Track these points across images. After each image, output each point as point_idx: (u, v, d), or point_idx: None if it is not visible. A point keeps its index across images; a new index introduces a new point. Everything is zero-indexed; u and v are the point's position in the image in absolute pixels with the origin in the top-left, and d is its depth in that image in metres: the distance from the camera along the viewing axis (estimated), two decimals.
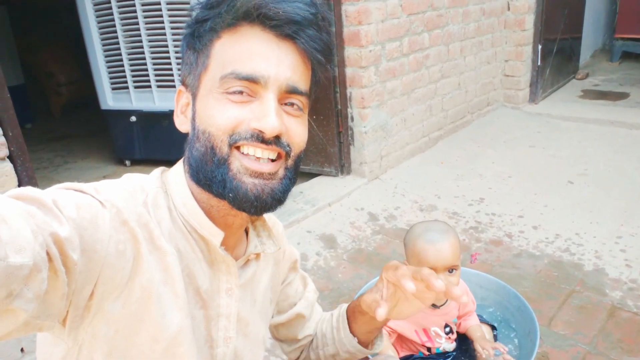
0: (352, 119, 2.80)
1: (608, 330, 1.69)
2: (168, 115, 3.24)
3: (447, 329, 1.51)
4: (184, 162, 0.77)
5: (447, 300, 1.49)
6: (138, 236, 0.65)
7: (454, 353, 1.54)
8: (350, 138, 2.84)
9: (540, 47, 3.96)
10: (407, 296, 0.81)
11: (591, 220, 2.42)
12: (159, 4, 2.97)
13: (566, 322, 1.75)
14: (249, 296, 0.86)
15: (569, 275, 2.02)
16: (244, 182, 0.69)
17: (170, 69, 3.13)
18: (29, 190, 0.56)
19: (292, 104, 0.72)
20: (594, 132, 3.57)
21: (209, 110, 0.70)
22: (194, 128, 0.72)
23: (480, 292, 1.70)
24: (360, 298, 0.94)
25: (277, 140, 0.69)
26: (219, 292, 0.79)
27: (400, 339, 1.55)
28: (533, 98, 4.12)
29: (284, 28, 0.68)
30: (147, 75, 3.20)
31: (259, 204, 0.70)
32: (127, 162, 3.58)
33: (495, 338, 1.59)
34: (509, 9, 3.86)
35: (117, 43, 3.16)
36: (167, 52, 3.09)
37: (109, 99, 3.38)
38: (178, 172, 0.77)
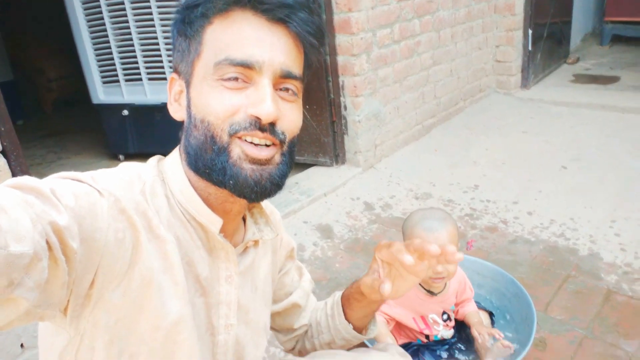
0: (345, 108, 2.79)
1: (604, 315, 1.71)
2: (160, 108, 3.22)
3: (445, 316, 1.52)
4: (180, 150, 0.77)
5: (444, 288, 1.50)
6: (137, 224, 0.66)
7: (452, 340, 1.55)
8: (344, 127, 2.83)
9: (530, 31, 3.96)
10: (402, 272, 0.83)
11: (585, 205, 2.44)
12: None
13: (562, 307, 1.77)
14: (249, 283, 0.87)
15: (564, 260, 2.04)
16: (243, 169, 0.69)
17: (161, 61, 3.10)
18: (26, 179, 0.55)
19: (287, 89, 0.72)
20: (586, 116, 3.58)
21: (205, 98, 0.69)
22: (190, 116, 0.72)
23: (477, 278, 1.71)
24: (358, 282, 0.96)
25: (272, 128, 0.69)
26: (219, 280, 0.80)
27: (399, 327, 1.56)
28: (525, 83, 4.12)
29: (276, 12, 0.68)
30: (138, 68, 3.17)
31: (259, 189, 0.70)
32: (121, 157, 3.55)
33: (493, 324, 1.61)
34: None
35: (107, 36, 3.13)
36: (157, 44, 3.05)
37: (100, 93, 3.35)
38: (174, 160, 0.76)
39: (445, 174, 2.89)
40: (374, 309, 1.00)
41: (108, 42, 3.14)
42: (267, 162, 0.70)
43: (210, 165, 0.70)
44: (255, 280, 0.89)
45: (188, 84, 0.73)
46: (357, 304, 0.99)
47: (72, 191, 0.59)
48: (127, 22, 3.04)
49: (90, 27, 3.16)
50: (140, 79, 3.21)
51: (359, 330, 1.03)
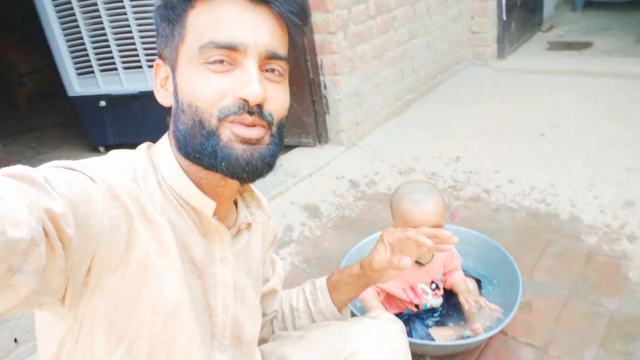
0: (325, 87, 2.79)
1: (586, 275, 1.77)
2: (138, 97, 3.18)
3: (433, 286, 1.57)
4: (169, 135, 0.77)
5: (432, 259, 1.54)
6: (131, 210, 0.66)
7: (441, 308, 1.60)
8: (325, 107, 2.83)
9: (504, 1, 3.97)
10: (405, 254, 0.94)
11: (564, 171, 2.50)
12: None
13: (546, 270, 1.82)
14: (243, 265, 0.88)
15: (546, 225, 2.10)
16: (234, 149, 0.69)
17: (135, 49, 3.04)
18: (19, 168, 0.55)
19: (272, 70, 0.72)
20: (562, 83, 3.64)
21: (192, 83, 0.69)
22: (177, 101, 0.72)
23: (463, 247, 1.75)
24: (354, 265, 1.05)
25: (260, 110, 0.70)
26: (214, 262, 0.81)
27: (389, 298, 1.60)
28: (501, 54, 4.15)
29: None
30: (112, 58, 3.11)
31: (250, 169, 0.71)
32: (101, 149, 3.50)
33: (481, 291, 1.66)
34: None
35: (78, 27, 3.05)
36: (130, 32, 2.99)
37: (76, 85, 3.28)
38: (164, 146, 0.77)
39: (427, 147, 2.92)
40: (359, 292, 1.09)
41: (80, 32, 3.07)
42: (257, 141, 0.71)
43: (200, 150, 0.70)
44: (250, 262, 0.91)
45: (174, 69, 0.73)
46: (346, 287, 1.07)
47: (65, 179, 0.59)
48: (97, 10, 2.97)
49: (60, 17, 3.07)
50: (116, 69, 3.15)
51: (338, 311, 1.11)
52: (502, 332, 1.50)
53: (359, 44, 2.85)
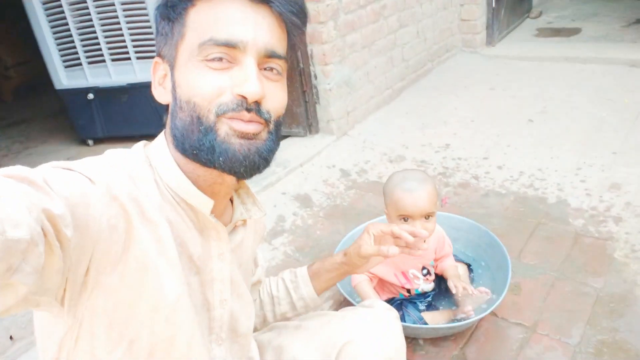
0: (316, 77, 2.80)
1: (573, 257, 1.81)
2: (126, 90, 3.16)
3: (425, 271, 1.59)
4: (165, 133, 0.78)
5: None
6: (129, 210, 0.67)
7: (433, 292, 1.62)
8: (315, 96, 2.84)
9: None
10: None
11: (552, 156, 2.53)
12: None
13: (534, 252, 1.86)
14: (237, 260, 0.90)
15: (534, 209, 2.13)
16: (232, 144, 0.70)
17: (123, 41, 3.02)
18: (18, 169, 0.56)
19: (271, 69, 0.73)
20: (551, 69, 3.67)
21: (191, 79, 0.70)
22: (175, 98, 0.73)
23: (453, 233, 1.78)
24: (337, 255, 1.11)
25: (257, 107, 0.70)
26: (211, 258, 0.82)
27: (381, 283, 1.63)
28: (490, 41, 4.17)
29: None
30: (100, 50, 3.09)
31: (248, 164, 0.71)
32: (90, 142, 3.49)
33: (471, 275, 1.69)
34: None
35: (65, 18, 3.02)
36: (118, 23, 2.97)
37: (63, 78, 3.25)
38: (161, 144, 0.77)
39: (417, 135, 2.95)
40: (339, 279, 1.15)
41: (67, 24, 3.04)
42: (254, 136, 0.71)
43: (198, 146, 0.70)
44: (242, 257, 0.92)
45: (172, 67, 0.73)
46: (327, 275, 1.13)
47: (64, 180, 0.59)
48: (85, 1, 2.94)
49: (46, 9, 3.04)
50: (104, 61, 3.13)
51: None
52: (492, 313, 1.53)
53: (349, 33, 2.85)
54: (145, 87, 3.00)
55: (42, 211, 0.52)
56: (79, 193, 0.60)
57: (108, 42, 3.05)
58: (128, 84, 3.15)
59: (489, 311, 1.42)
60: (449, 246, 1.65)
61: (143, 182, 0.73)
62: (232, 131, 0.70)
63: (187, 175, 0.75)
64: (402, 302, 1.58)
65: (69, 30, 3.06)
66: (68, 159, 2.67)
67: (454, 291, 1.51)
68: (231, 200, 0.88)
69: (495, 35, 4.18)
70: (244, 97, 0.69)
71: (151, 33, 2.92)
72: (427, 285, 1.60)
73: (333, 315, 1.04)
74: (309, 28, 2.67)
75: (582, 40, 4.14)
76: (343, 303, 1.69)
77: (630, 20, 4.45)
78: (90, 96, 3.23)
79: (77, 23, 3.04)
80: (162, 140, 0.78)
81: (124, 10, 2.91)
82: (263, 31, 0.70)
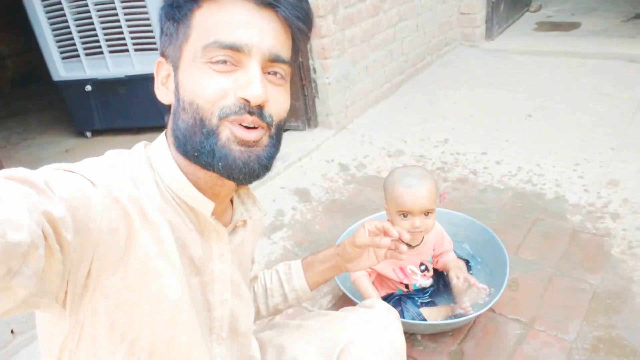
0: (315, 71, 2.79)
1: (571, 253, 1.82)
2: (124, 82, 3.15)
3: (423, 267, 1.60)
4: (167, 134, 0.78)
5: (421, 241, 1.57)
6: (130, 212, 0.66)
7: (432, 289, 1.63)
8: (314, 90, 2.83)
9: None
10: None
11: (550, 151, 2.54)
12: None
13: (532, 248, 1.87)
14: (237, 260, 0.90)
15: (532, 204, 2.14)
16: (232, 150, 0.70)
17: (122, 32, 3.00)
18: (19, 171, 0.55)
19: (275, 73, 0.73)
20: (550, 64, 3.66)
21: (194, 81, 0.70)
22: (178, 99, 0.72)
23: (451, 229, 1.78)
24: (346, 241, 1.11)
25: (260, 111, 0.70)
26: (212, 259, 0.82)
27: (380, 279, 1.64)
28: (489, 35, 4.16)
29: None
30: (98, 41, 3.07)
31: (247, 171, 0.71)
32: (88, 134, 3.47)
33: (469, 271, 1.69)
34: None
35: (62, 9, 2.99)
36: (116, 14, 2.95)
37: (61, 69, 3.23)
38: (162, 146, 0.77)
39: (416, 129, 2.95)
40: (331, 273, 1.15)
41: (64, 15, 3.01)
42: (255, 144, 0.71)
43: (199, 148, 0.70)
44: (242, 256, 0.93)
45: (176, 68, 0.73)
46: (320, 266, 1.14)
47: (65, 182, 0.59)
48: None
49: (43, 0, 3.02)
50: (102, 52, 3.11)
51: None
52: (490, 309, 1.54)
53: (348, 27, 2.84)
54: (144, 79, 3.03)
55: (42, 214, 0.52)
56: (80, 196, 0.59)
57: (106, 34, 3.03)
58: (126, 76, 3.13)
59: (487, 308, 1.43)
60: (448, 242, 1.66)
61: (144, 183, 0.72)
62: (233, 137, 0.70)
63: (188, 177, 0.75)
64: (401, 298, 1.59)
65: (66, 21, 3.04)
66: (66, 150, 2.66)
67: (454, 280, 1.51)
68: (231, 201, 0.88)
69: (494, 29, 4.17)
70: (247, 101, 0.69)
71: (149, 25, 2.90)
72: (425, 281, 1.61)
73: (334, 315, 1.05)
74: None
75: (582, 34, 4.14)
76: (342, 298, 1.71)
77: (630, 14, 4.45)
78: (88, 88, 3.22)
79: (75, 14, 3.01)
80: (163, 141, 0.77)
81: (122, 2, 2.89)
82: (268, 35, 0.70)
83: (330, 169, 2.59)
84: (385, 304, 1.12)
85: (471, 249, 1.80)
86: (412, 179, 1.45)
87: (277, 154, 0.77)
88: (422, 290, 1.62)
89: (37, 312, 0.74)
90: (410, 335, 1.52)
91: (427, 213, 1.46)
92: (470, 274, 1.70)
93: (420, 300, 1.59)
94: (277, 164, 2.55)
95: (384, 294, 1.63)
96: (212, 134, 0.69)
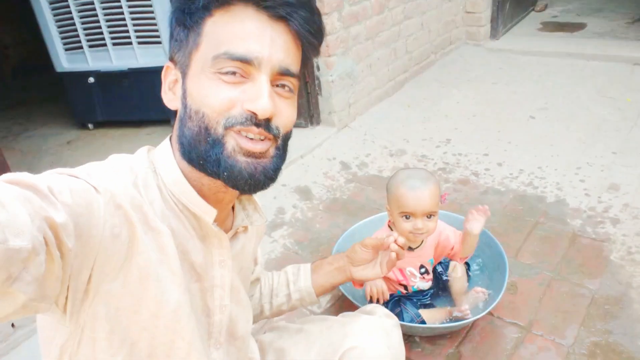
0: (318, 69, 2.78)
1: (570, 257, 1.82)
2: (127, 74, 3.14)
3: (423, 270, 1.61)
4: (171, 139, 0.78)
5: (422, 244, 1.57)
6: (133, 219, 0.67)
7: (431, 291, 1.64)
8: (317, 88, 2.83)
9: None
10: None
11: (552, 154, 2.54)
12: None
13: (532, 252, 1.87)
14: (238, 265, 0.90)
15: (533, 207, 2.14)
16: (238, 161, 0.70)
17: (125, 25, 2.99)
18: (23, 175, 0.56)
19: (283, 86, 0.73)
20: (554, 65, 3.65)
21: (202, 90, 0.70)
22: (185, 106, 0.72)
23: None
24: (353, 245, 1.14)
25: (267, 124, 0.70)
26: (213, 265, 0.82)
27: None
28: (494, 34, 4.14)
29: (278, 9, 0.68)
30: (102, 34, 3.06)
31: (252, 182, 0.71)
32: (90, 126, 3.48)
33: (469, 273, 1.70)
34: None
35: (66, 1, 2.99)
36: (120, 7, 2.94)
37: (64, 61, 3.23)
38: (166, 151, 0.77)
39: (419, 129, 2.95)
40: (337, 277, 1.17)
41: (68, 6, 3.01)
42: (261, 155, 0.72)
43: (205, 157, 0.71)
44: (243, 261, 0.93)
45: (184, 75, 0.73)
46: (327, 267, 1.17)
47: (69, 188, 0.59)
48: None
49: None
50: (105, 45, 3.11)
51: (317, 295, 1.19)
52: (488, 312, 1.55)
53: (353, 25, 2.84)
54: (147, 72, 3.03)
55: (44, 220, 0.52)
56: (83, 202, 0.60)
57: (109, 27, 3.03)
58: (129, 69, 3.13)
59: (485, 312, 1.44)
60: (456, 243, 1.61)
61: (147, 188, 0.73)
62: (238, 148, 0.70)
63: (191, 183, 0.75)
64: (400, 299, 1.60)
65: (70, 13, 3.04)
66: (68, 142, 2.67)
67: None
68: (232, 206, 0.88)
69: (499, 29, 4.15)
70: (254, 114, 0.69)
71: (153, 19, 2.90)
72: (424, 284, 1.61)
73: (334, 320, 1.06)
74: None
75: (587, 36, 4.12)
76: (341, 298, 1.71)
77: (635, 16, 4.42)
78: (91, 80, 3.22)
79: (79, 6, 3.01)
80: (167, 146, 0.78)
81: None
82: (278, 48, 0.70)
83: (331, 167, 2.60)
84: (385, 310, 1.13)
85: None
86: (416, 181, 1.45)
87: (283, 164, 0.77)
88: (421, 292, 1.62)
89: (39, 315, 0.74)
90: (408, 337, 1.53)
91: (429, 215, 1.46)
92: (469, 276, 1.71)
93: (419, 302, 1.60)
94: None
95: None
96: (217, 143, 0.70)
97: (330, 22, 2.66)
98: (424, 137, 2.85)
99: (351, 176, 2.52)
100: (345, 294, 1.55)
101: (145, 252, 0.68)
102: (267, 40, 0.69)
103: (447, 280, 1.66)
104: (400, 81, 3.43)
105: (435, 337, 1.55)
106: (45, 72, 4.01)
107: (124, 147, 3.13)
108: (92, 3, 2.96)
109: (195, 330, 0.78)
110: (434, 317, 1.55)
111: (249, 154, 0.71)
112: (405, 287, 1.63)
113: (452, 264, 1.68)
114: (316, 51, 0.77)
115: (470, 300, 1.55)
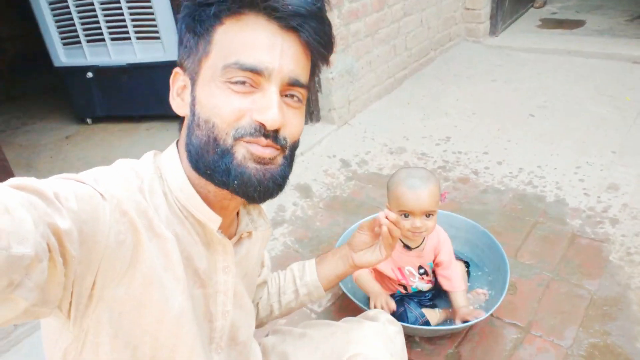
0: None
1: (569, 257, 1.83)
2: (126, 69, 3.13)
3: (422, 271, 1.61)
4: (179, 145, 0.78)
5: (422, 244, 1.58)
6: (138, 225, 0.67)
7: (431, 293, 1.65)
8: (317, 85, 2.83)
9: None
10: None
11: (552, 152, 2.55)
12: None
13: (531, 252, 1.88)
14: (242, 270, 0.91)
15: (533, 207, 2.15)
16: (248, 168, 0.70)
17: (124, 20, 2.98)
18: (29, 180, 0.55)
19: (292, 96, 0.73)
20: (553, 62, 3.66)
21: (212, 99, 0.70)
22: (193, 114, 0.72)
23: (451, 231, 1.78)
24: (353, 234, 1.15)
25: (275, 135, 0.71)
26: (216, 271, 0.83)
27: (380, 279, 1.65)
28: (493, 31, 4.14)
29: (289, 20, 0.68)
30: (100, 28, 3.04)
31: (262, 189, 0.72)
32: (89, 120, 3.46)
33: (469, 273, 1.71)
34: None
35: None
36: (119, 1, 2.92)
37: (62, 56, 3.21)
38: (173, 156, 0.77)
39: (418, 126, 2.95)
40: (341, 267, 1.15)
41: (66, 1, 2.99)
42: (270, 161, 0.72)
43: (213, 167, 0.71)
44: (247, 266, 0.93)
45: (194, 82, 0.73)
46: (331, 257, 1.16)
47: (75, 194, 0.59)
48: None
49: None
50: (103, 40, 3.09)
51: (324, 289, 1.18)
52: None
53: (353, 22, 2.83)
54: (145, 67, 3.02)
55: (48, 226, 0.52)
56: (89, 208, 0.59)
57: (108, 21, 3.01)
58: (128, 64, 3.12)
59: (486, 316, 1.44)
60: (447, 254, 1.60)
61: (152, 194, 0.73)
62: (249, 154, 0.70)
63: (197, 190, 0.75)
64: (403, 298, 1.61)
65: (68, 7, 3.01)
66: (67, 137, 2.66)
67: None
68: (237, 211, 0.89)
69: (498, 25, 4.14)
70: (263, 125, 0.69)
71: (152, 14, 2.88)
72: (424, 285, 1.62)
73: (337, 326, 1.06)
74: None
75: (586, 33, 4.12)
76: (341, 297, 1.72)
77: (634, 14, 4.43)
78: (90, 75, 3.20)
79: (77, 1, 2.99)
80: (174, 152, 0.77)
81: None
82: (289, 59, 0.70)
83: (331, 165, 2.60)
84: (388, 316, 1.13)
85: (471, 253, 1.81)
86: (416, 180, 1.46)
87: (290, 173, 0.77)
88: (422, 294, 1.63)
89: (42, 319, 0.74)
90: (408, 337, 1.53)
91: (428, 214, 1.47)
92: (470, 276, 1.71)
93: (421, 303, 1.61)
94: None
95: (386, 292, 1.64)
96: (226, 153, 0.70)
97: (330, 19, 2.64)
98: (424, 134, 2.85)
99: (351, 174, 2.52)
100: (346, 292, 1.55)
101: (150, 258, 0.69)
102: (278, 51, 0.69)
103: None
104: (399, 78, 3.43)
105: (435, 338, 1.56)
106: (43, 65, 3.98)
107: (123, 142, 3.12)
108: None
109: (197, 336, 0.78)
110: (435, 317, 1.56)
111: (259, 160, 0.71)
112: (405, 288, 1.63)
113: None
114: (326, 61, 0.77)
115: (471, 302, 1.56)
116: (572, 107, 3.00)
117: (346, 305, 1.69)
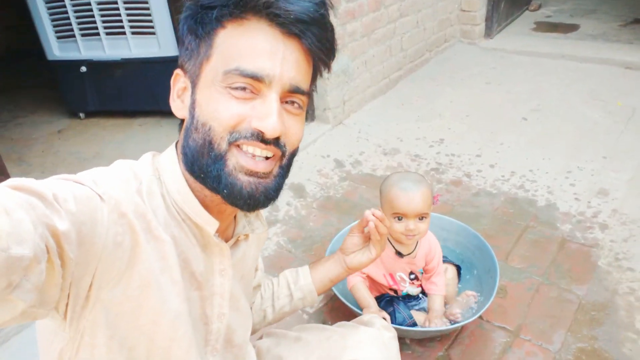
0: None
1: (559, 262, 1.85)
2: (120, 64, 3.11)
3: (412, 276, 1.62)
4: (177, 147, 0.78)
5: (413, 251, 1.59)
6: (136, 228, 0.67)
7: (419, 297, 1.66)
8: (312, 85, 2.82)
9: None
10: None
11: (543, 157, 2.57)
12: None
13: (521, 256, 1.90)
14: (239, 273, 0.91)
15: (524, 211, 2.17)
16: (239, 179, 0.70)
17: (119, 14, 2.96)
18: (28, 181, 0.55)
19: (292, 102, 0.73)
20: (547, 66, 3.68)
21: (212, 103, 0.69)
22: (192, 117, 0.72)
23: (442, 233, 1.80)
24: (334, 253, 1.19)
25: (275, 141, 0.71)
26: (213, 273, 0.83)
27: (372, 283, 1.66)
28: (489, 33, 4.16)
29: (291, 26, 0.68)
30: (94, 22, 3.02)
31: (252, 202, 0.72)
32: (81, 115, 3.44)
33: (460, 277, 1.73)
34: None
35: None
36: None
37: (55, 49, 3.18)
38: (171, 159, 0.77)
39: (412, 128, 2.96)
40: (335, 270, 1.18)
41: None
42: (265, 175, 0.72)
43: (206, 171, 0.71)
44: (244, 269, 0.94)
45: (194, 85, 0.73)
46: (324, 262, 1.19)
47: (73, 195, 0.59)
48: None
49: None
50: (98, 34, 3.07)
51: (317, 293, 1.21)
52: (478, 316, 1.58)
53: (349, 22, 2.83)
54: (140, 63, 3.01)
55: (47, 227, 0.52)
56: (87, 210, 0.59)
57: (103, 16, 2.99)
58: (122, 59, 3.10)
59: (474, 317, 1.46)
60: (437, 260, 1.62)
61: (150, 196, 0.73)
62: (239, 166, 0.70)
63: (195, 193, 0.75)
64: (393, 299, 1.62)
65: (62, 0, 2.99)
66: (59, 131, 2.64)
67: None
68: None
69: (493, 28, 4.16)
70: (262, 132, 0.69)
71: (148, 9, 2.86)
72: (414, 289, 1.63)
73: (333, 331, 1.07)
74: None
75: (580, 37, 4.15)
76: (333, 298, 1.73)
77: (628, 19, 4.46)
78: (83, 69, 3.18)
79: None
80: (173, 154, 0.77)
81: None
82: (290, 66, 0.70)
83: (325, 165, 2.60)
84: (383, 321, 1.14)
85: (462, 255, 1.82)
86: (409, 182, 1.47)
87: (284, 183, 0.77)
88: (411, 297, 1.64)
89: (38, 320, 0.74)
90: (399, 339, 1.54)
91: (421, 217, 1.48)
92: (460, 280, 1.73)
93: (411, 305, 1.62)
94: None
95: (376, 293, 1.66)
96: (219, 158, 0.70)
97: None
98: (418, 136, 2.86)
99: (345, 174, 2.53)
100: (338, 295, 1.56)
101: (147, 260, 0.69)
102: (279, 58, 0.69)
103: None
104: (394, 79, 3.44)
105: (426, 340, 1.57)
106: (34, 57, 3.94)
107: (115, 137, 3.11)
108: None
109: (192, 338, 0.79)
110: (424, 319, 1.57)
111: (251, 173, 0.71)
112: (395, 292, 1.65)
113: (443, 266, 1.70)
114: (327, 68, 0.76)
115: (460, 304, 1.57)
116: (565, 111, 3.02)
117: (338, 306, 1.70)
